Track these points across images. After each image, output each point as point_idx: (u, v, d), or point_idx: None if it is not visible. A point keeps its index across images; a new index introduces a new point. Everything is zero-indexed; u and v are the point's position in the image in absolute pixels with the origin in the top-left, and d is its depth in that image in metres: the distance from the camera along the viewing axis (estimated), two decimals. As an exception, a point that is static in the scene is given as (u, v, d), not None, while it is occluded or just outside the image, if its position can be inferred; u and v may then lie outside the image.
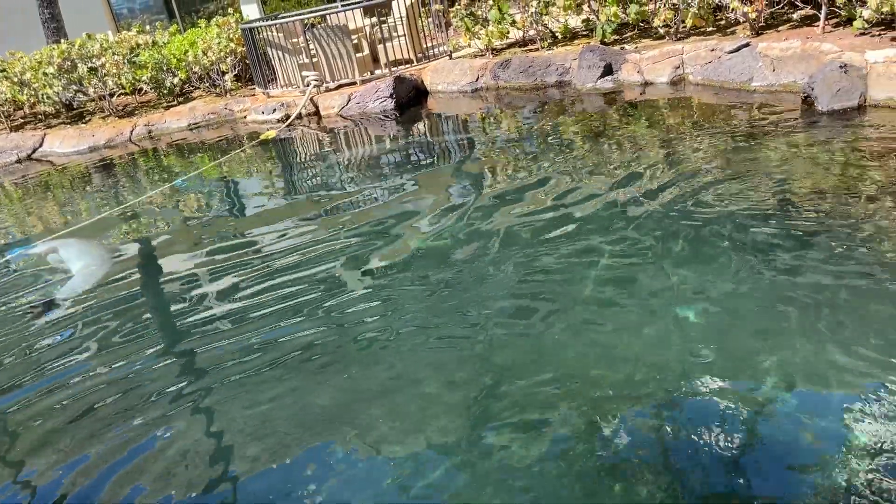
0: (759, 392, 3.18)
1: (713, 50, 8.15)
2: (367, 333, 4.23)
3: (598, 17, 9.73)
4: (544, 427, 3.20)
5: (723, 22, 9.06)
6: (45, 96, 12.39)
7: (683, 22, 8.82)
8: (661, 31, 9.11)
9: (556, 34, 10.48)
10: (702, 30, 9.05)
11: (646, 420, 3.16)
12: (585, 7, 9.94)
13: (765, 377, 3.25)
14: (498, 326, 4.05)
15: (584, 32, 10.46)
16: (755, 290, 3.91)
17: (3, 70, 12.42)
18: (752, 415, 3.07)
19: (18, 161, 11.59)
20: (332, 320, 4.46)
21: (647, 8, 9.43)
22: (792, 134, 6.13)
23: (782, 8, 8.35)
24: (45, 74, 12.15)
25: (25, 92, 12.38)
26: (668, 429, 3.08)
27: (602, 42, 9.61)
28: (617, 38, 9.81)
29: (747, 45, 7.83)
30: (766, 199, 4.94)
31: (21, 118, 13.19)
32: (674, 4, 8.79)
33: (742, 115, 6.91)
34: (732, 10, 8.38)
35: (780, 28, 8.24)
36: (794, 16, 8.39)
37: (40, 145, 11.82)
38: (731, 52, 7.92)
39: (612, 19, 9.52)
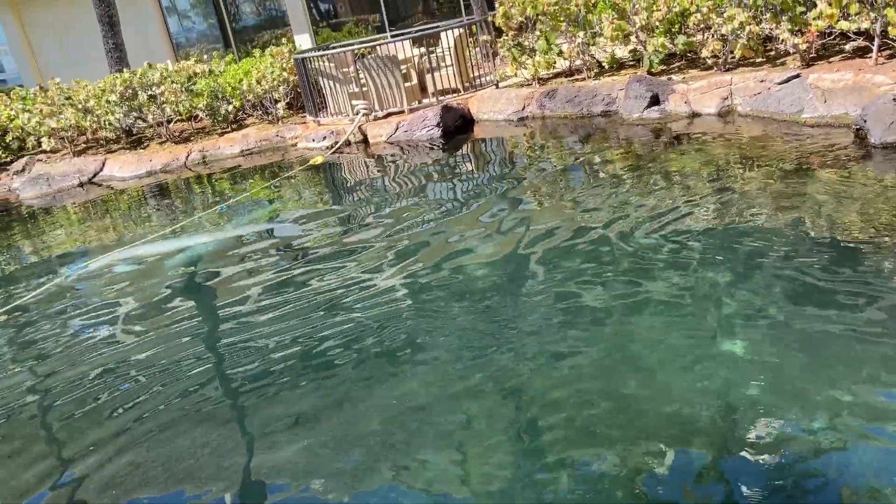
0: (807, 429, 3.13)
1: (762, 81, 8.09)
2: (410, 359, 4.29)
3: (645, 47, 9.76)
4: (589, 464, 3.21)
5: (772, 53, 8.99)
6: (106, 123, 12.92)
7: (732, 53, 8.79)
8: (710, 61, 9.09)
9: (603, 64, 10.54)
10: (751, 61, 9.00)
11: (693, 456, 3.14)
12: (633, 38, 9.98)
13: (814, 413, 3.21)
14: (541, 356, 4.07)
15: (631, 63, 10.49)
16: (804, 324, 3.86)
17: (69, 98, 13.00)
18: (800, 451, 3.02)
19: (81, 184, 12.08)
20: (374, 344, 4.53)
21: (694, 39, 9.43)
22: (843, 167, 6.05)
23: (834, 39, 8.26)
24: (108, 102, 12.69)
25: (89, 118, 12.92)
26: (715, 466, 3.05)
27: (649, 72, 9.63)
28: (664, 68, 9.82)
29: (797, 76, 7.76)
30: (817, 233, 4.88)
31: (84, 143, 13.76)
32: (722, 35, 8.77)
33: (792, 146, 6.84)
34: (782, 41, 8.33)
35: (831, 59, 8.15)
36: (847, 47, 8.29)
37: (101, 169, 12.31)
38: (780, 83, 7.86)
39: (660, 50, 9.54)
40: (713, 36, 8.95)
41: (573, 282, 4.84)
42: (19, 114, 13.33)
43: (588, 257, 5.19)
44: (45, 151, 13.51)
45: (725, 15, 8.61)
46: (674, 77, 9.32)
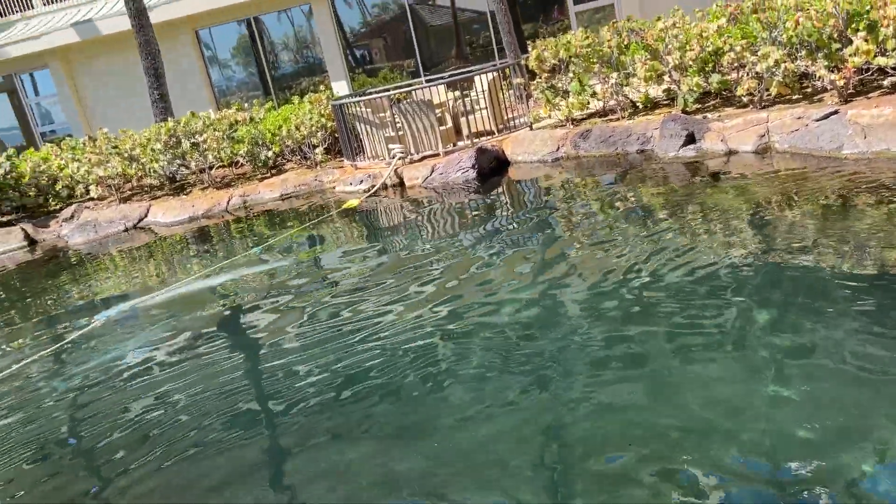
0: (858, 471, 3.04)
1: (800, 118, 8.04)
2: (449, 399, 4.28)
3: (679, 86, 9.79)
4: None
5: (809, 90, 8.94)
6: (151, 170, 13.32)
7: (768, 90, 8.76)
8: (745, 99, 9.06)
9: (637, 104, 10.58)
10: (787, 98, 8.96)
11: (741, 499, 3.07)
12: (666, 77, 10.02)
13: (865, 455, 3.12)
14: (582, 398, 4.04)
15: (665, 102, 10.52)
16: (855, 365, 3.77)
17: (116, 147, 13.46)
18: (850, 494, 2.93)
19: (126, 230, 12.42)
20: (414, 385, 4.54)
21: (729, 77, 9.43)
22: (888, 202, 5.94)
23: (871, 75, 8.19)
24: (153, 150, 13.10)
25: (134, 166, 13.34)
26: (762, 511, 2.98)
27: (684, 111, 9.64)
28: (699, 106, 9.82)
29: (836, 112, 7.70)
30: (862, 271, 4.79)
31: (129, 190, 14.18)
32: (757, 73, 8.76)
33: (833, 183, 6.76)
34: (819, 77, 8.29)
35: (869, 95, 8.07)
36: (885, 83, 8.21)
37: (145, 215, 12.66)
38: (818, 119, 7.80)
39: (694, 89, 9.55)
40: (748, 74, 8.94)
41: (612, 323, 4.81)
42: (69, 163, 13.82)
43: (627, 297, 5.16)
44: (92, 199, 13.95)
45: (760, 53, 8.62)
46: (709, 115, 9.31)
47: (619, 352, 4.45)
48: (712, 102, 9.95)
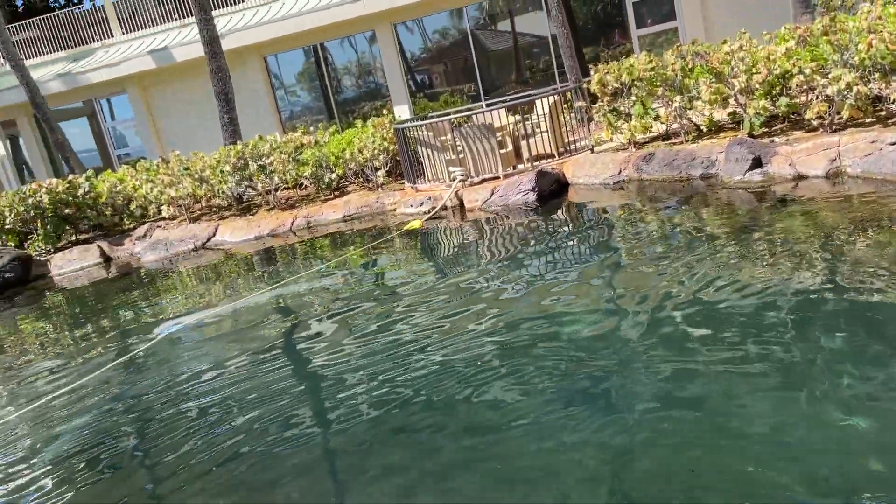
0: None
1: (873, 142, 7.81)
2: (512, 422, 4.28)
3: (745, 109, 9.63)
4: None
5: (883, 113, 8.68)
6: (220, 191, 13.78)
7: (839, 113, 8.54)
8: (815, 123, 8.85)
9: (701, 127, 10.45)
10: (859, 121, 8.71)
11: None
12: (732, 101, 9.87)
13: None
14: (645, 424, 3.99)
15: (730, 125, 10.36)
16: (932, 399, 3.63)
17: (187, 168, 13.99)
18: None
19: (195, 249, 12.86)
20: (475, 405, 4.55)
21: (797, 100, 9.23)
22: (969, 230, 5.71)
23: (951, 97, 7.92)
24: (222, 172, 13.56)
25: (204, 187, 13.83)
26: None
27: (750, 135, 9.47)
28: (765, 130, 9.63)
29: (912, 136, 7.45)
30: (941, 301, 4.60)
31: (198, 210, 14.69)
32: (828, 96, 8.56)
33: (909, 209, 6.52)
34: (894, 101, 8.04)
35: (949, 118, 7.80)
36: (966, 104, 7.92)
37: (213, 235, 13.08)
38: (893, 143, 7.56)
39: (761, 112, 9.38)
40: (818, 97, 8.74)
41: (675, 349, 4.74)
42: (143, 184, 14.42)
43: (691, 324, 5.07)
44: (164, 218, 14.50)
45: (831, 76, 8.42)
46: (776, 139, 9.12)
47: (681, 379, 4.37)
48: (779, 126, 9.75)
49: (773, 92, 9.44)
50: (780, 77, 9.27)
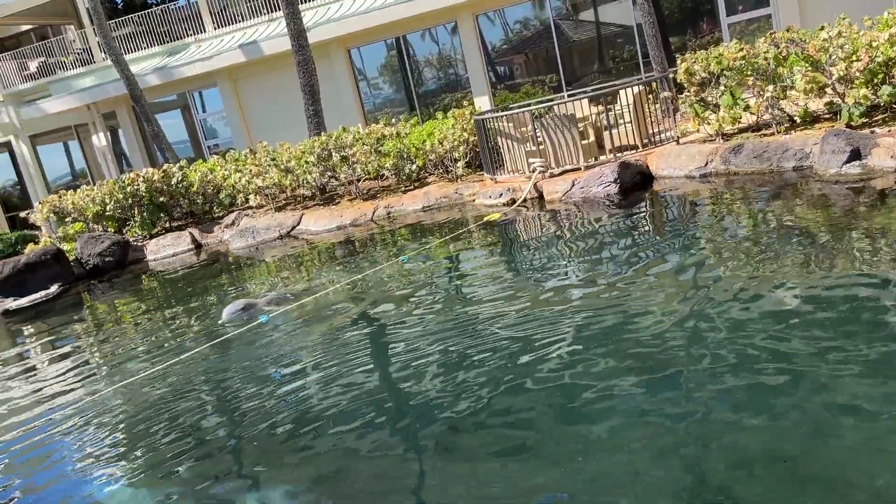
0: None
1: None
2: (586, 415, 4.26)
3: (843, 99, 9.17)
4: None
5: None
6: (304, 181, 14.16)
7: (948, 103, 8.03)
8: (920, 112, 8.36)
9: (794, 118, 10.01)
10: (971, 110, 8.17)
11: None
12: (829, 90, 9.42)
13: None
14: (724, 423, 3.88)
15: (827, 116, 9.88)
16: None
17: (274, 159, 14.43)
18: None
19: (280, 237, 13.28)
20: (547, 399, 4.55)
21: (902, 89, 8.73)
22: None
23: None
24: (307, 162, 13.93)
25: (289, 177, 14.24)
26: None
27: (848, 125, 9.02)
28: (865, 121, 9.15)
29: None
30: None
31: (284, 200, 15.14)
32: (936, 84, 8.05)
33: None
34: None
35: None
36: None
37: (298, 223, 13.47)
38: None
39: (861, 101, 8.91)
40: (924, 85, 8.24)
41: (758, 346, 4.58)
42: (232, 173, 14.98)
43: (775, 321, 4.89)
44: (251, 207, 15.02)
45: (939, 62, 7.92)
46: (877, 130, 8.65)
47: (763, 376, 4.23)
48: (881, 116, 9.23)
49: (875, 81, 8.94)
50: (882, 65, 8.77)
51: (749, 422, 3.83)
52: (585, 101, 12.18)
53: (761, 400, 4.01)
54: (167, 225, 15.48)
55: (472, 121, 12.75)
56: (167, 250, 14.25)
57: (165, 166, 15.46)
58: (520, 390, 4.76)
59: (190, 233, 14.53)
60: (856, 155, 8.28)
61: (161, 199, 14.99)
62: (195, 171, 15.32)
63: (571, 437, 4.11)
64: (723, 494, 3.35)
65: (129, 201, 14.89)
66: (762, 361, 4.40)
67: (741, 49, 10.18)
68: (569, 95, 13.20)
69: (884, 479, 3.18)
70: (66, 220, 15.40)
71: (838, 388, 3.94)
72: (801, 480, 3.32)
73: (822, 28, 9.58)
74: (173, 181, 15.00)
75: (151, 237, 14.97)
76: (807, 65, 9.38)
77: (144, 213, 14.93)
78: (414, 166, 13.34)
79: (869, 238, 6.18)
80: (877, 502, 3.06)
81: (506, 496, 3.71)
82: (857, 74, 8.90)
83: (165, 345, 7.82)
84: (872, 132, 8.57)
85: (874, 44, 8.76)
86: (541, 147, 11.39)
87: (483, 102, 17.72)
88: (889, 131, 8.46)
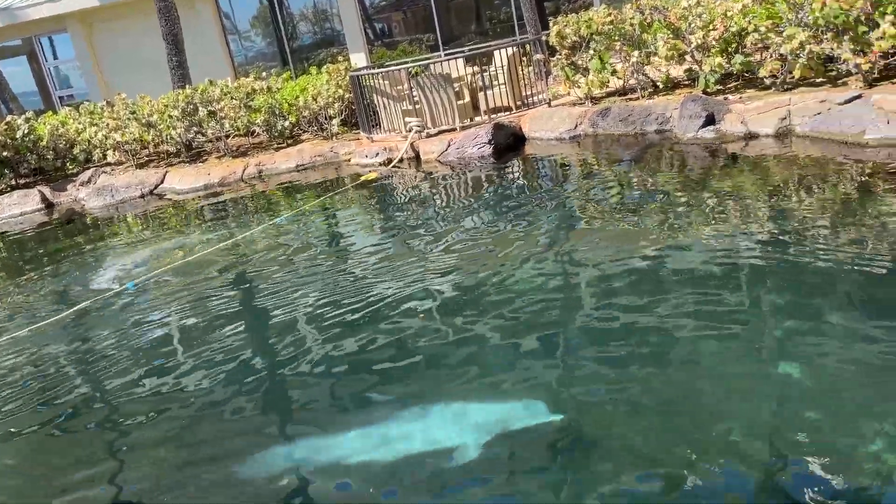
0: (865, 452, 3.05)
1: (823, 101, 7.93)
2: (451, 366, 4.32)
3: (700, 67, 9.67)
4: (642, 490, 3.18)
5: (833, 73, 8.81)
6: (168, 137, 13.36)
7: (791, 73, 8.64)
8: (767, 81, 8.95)
9: (657, 84, 10.47)
10: (810, 81, 8.82)
11: (749, 479, 3.09)
12: (688, 57, 9.90)
13: (873, 437, 3.12)
14: (591, 379, 4.05)
15: (686, 82, 10.40)
16: (864, 351, 3.76)
17: (133, 112, 13.49)
18: (859, 474, 2.94)
19: (142, 196, 12.49)
20: (413, 353, 4.58)
21: (752, 58, 9.30)
22: (908, 189, 5.88)
23: (898, 59, 8.06)
24: (170, 117, 13.12)
25: (151, 132, 13.38)
26: (771, 488, 2.99)
27: (704, 92, 9.53)
28: (720, 88, 9.70)
29: (860, 96, 7.59)
30: (879, 257, 4.75)
31: (146, 156, 14.24)
32: (781, 55, 8.63)
33: (855, 168, 6.68)
34: (844, 61, 8.16)
35: (894, 80, 7.95)
36: (912, 67, 8.08)
37: (161, 182, 12.72)
38: (842, 103, 7.69)
39: (716, 69, 9.43)
40: (772, 55, 8.82)
41: (624, 305, 4.80)
42: (87, 127, 13.88)
43: (639, 280, 5.14)
44: (109, 164, 14.02)
45: (785, 34, 8.48)
46: (730, 97, 9.20)
47: (627, 334, 4.45)
48: (734, 84, 9.83)
49: (729, 49, 9.48)
50: (735, 34, 9.30)
51: (608, 373, 4.01)
52: (461, 62, 12.16)
53: (625, 351, 4.20)
54: (12, 182, 14.17)
55: (348, 77, 12.45)
56: (13, 209, 13.06)
57: (9, 118, 14.09)
58: (384, 344, 4.75)
59: (40, 191, 13.37)
60: (710, 120, 8.79)
61: (5, 153, 13.67)
62: (44, 123, 14.08)
63: (432, 383, 4.15)
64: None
65: (-33, 156, 13.50)
66: (623, 324, 4.61)
67: (609, 14, 10.47)
68: (446, 55, 13.11)
69: (743, 412, 3.43)
70: None
71: (695, 348, 4.19)
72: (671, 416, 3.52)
73: (684, -4, 10.00)
74: (18, 134, 13.70)
75: (-6, 195, 13.67)
76: (668, 32, 9.80)
77: (-16, 169, 13.60)
78: (287, 123, 12.89)
79: (719, 199, 6.58)
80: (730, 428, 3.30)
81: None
82: (714, 43, 9.40)
83: (15, 315, 7.21)
84: (726, 99, 9.11)
85: (729, 14, 9.26)
86: (417, 106, 11.31)
87: (359, 59, 17.30)
88: (740, 98, 9.03)
